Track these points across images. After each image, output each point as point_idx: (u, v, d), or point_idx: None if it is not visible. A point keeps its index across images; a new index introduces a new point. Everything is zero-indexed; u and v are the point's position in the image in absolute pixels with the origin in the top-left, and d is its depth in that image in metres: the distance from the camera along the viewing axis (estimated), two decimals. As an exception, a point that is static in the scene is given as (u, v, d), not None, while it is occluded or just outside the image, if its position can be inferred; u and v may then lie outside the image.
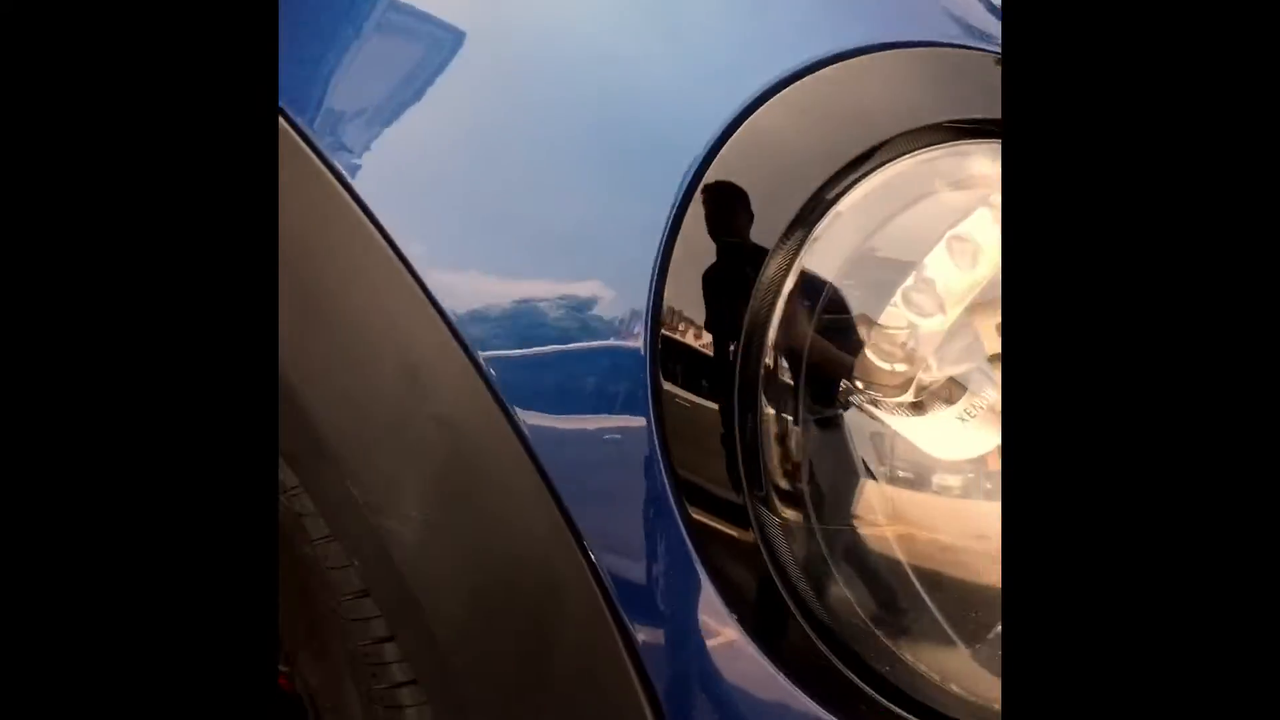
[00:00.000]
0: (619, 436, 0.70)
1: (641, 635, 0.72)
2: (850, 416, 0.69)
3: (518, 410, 0.70)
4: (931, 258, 0.67)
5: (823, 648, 0.70)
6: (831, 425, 0.69)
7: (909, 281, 0.67)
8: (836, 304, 0.67)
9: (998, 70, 0.68)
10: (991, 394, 0.68)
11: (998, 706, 0.69)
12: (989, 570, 0.67)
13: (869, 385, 0.69)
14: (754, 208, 0.68)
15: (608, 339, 0.69)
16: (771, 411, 0.68)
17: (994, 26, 0.72)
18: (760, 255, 0.67)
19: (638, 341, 0.68)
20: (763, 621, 0.70)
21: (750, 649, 0.70)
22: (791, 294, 0.67)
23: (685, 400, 0.68)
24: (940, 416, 0.68)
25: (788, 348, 0.67)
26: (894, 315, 0.67)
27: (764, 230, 0.68)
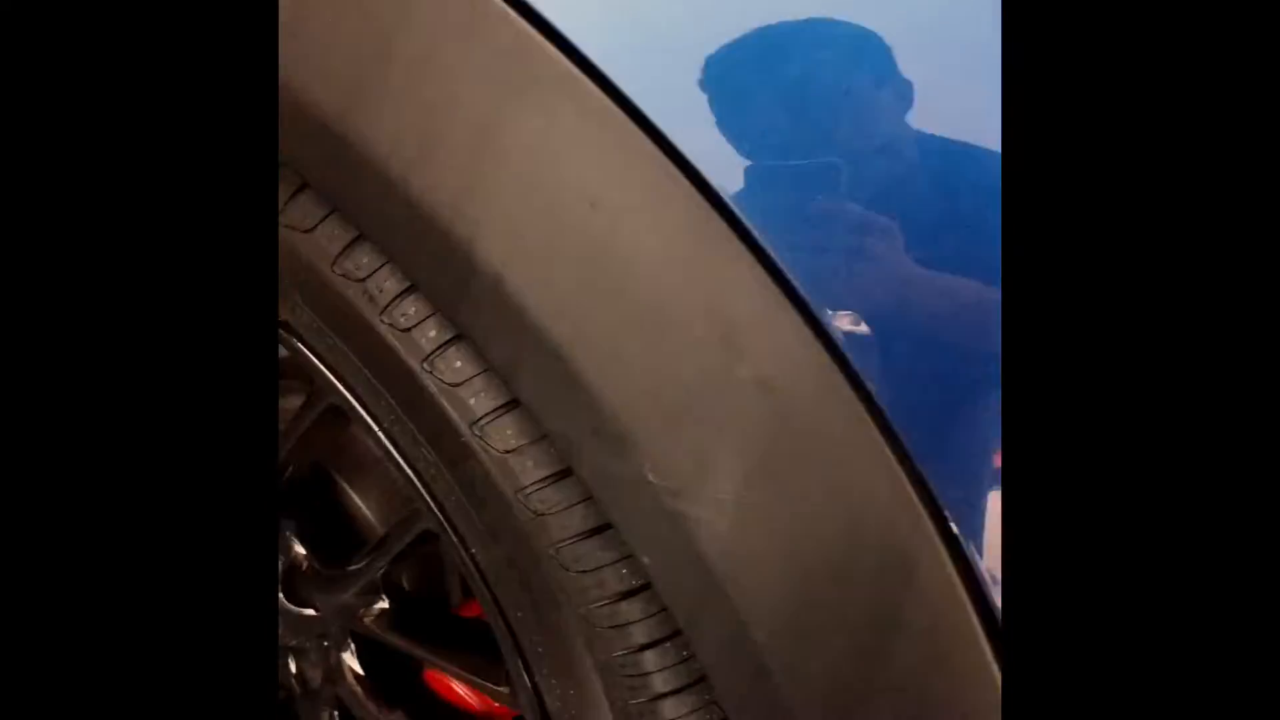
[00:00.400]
0: (992, 397, 0.60)
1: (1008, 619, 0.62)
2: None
3: (860, 368, 0.60)
4: None
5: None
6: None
7: None
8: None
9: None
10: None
11: None
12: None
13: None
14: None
15: (980, 293, 0.59)
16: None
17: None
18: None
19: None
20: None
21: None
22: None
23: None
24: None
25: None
26: None
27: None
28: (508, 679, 0.85)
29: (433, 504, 0.79)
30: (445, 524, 0.79)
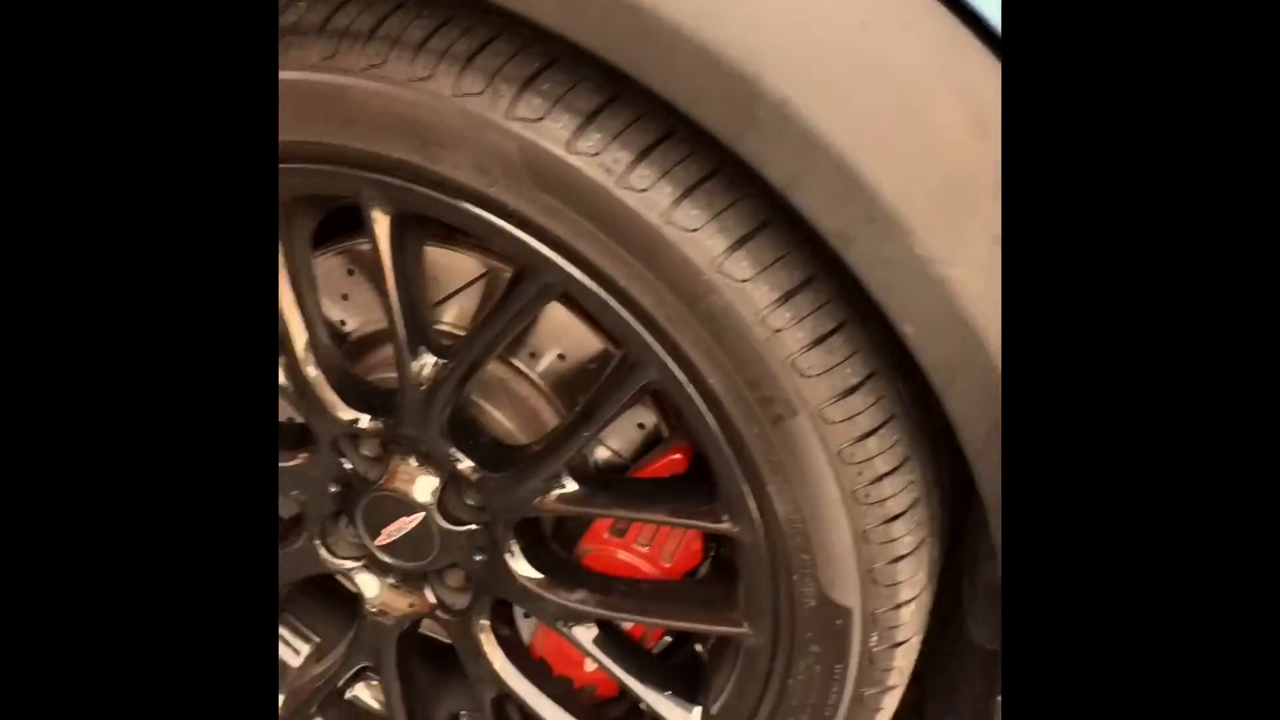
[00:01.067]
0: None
1: None
2: None
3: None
4: None
5: None
6: None
7: None
8: None
9: None
10: None
11: None
12: None
13: None
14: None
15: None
16: None
17: None
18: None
19: None
20: None
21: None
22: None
23: None
24: None
25: None
26: None
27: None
28: (728, 509, 0.96)
29: (664, 351, 0.90)
30: (680, 365, 0.90)
